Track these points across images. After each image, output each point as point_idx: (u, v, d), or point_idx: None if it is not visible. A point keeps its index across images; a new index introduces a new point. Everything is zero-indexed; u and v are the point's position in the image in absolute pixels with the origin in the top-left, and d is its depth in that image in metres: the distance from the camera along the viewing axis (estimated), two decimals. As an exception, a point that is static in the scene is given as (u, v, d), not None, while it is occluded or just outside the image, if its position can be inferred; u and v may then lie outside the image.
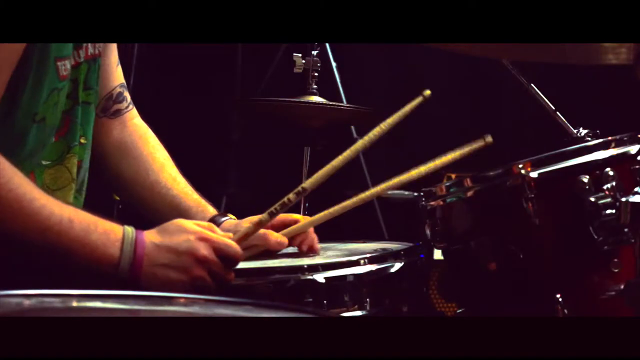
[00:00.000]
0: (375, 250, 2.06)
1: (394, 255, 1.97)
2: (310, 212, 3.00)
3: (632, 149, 1.90)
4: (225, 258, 1.69)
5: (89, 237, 1.60)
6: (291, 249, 2.20)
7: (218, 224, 2.00)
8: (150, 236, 1.65)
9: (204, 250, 1.65)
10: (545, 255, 1.93)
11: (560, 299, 1.86)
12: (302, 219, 2.02)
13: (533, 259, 1.92)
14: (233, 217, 2.06)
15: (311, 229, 2.05)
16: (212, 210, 2.06)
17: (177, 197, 2.03)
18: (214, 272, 1.67)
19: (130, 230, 1.64)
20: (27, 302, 0.99)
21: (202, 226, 1.70)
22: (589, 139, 2.25)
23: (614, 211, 1.81)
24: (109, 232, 1.63)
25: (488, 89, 4.02)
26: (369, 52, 3.92)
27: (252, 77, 3.94)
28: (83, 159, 1.89)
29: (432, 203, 2.05)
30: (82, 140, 1.87)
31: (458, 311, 2.16)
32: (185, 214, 1.98)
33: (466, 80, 4.11)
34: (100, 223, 1.64)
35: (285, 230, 2.03)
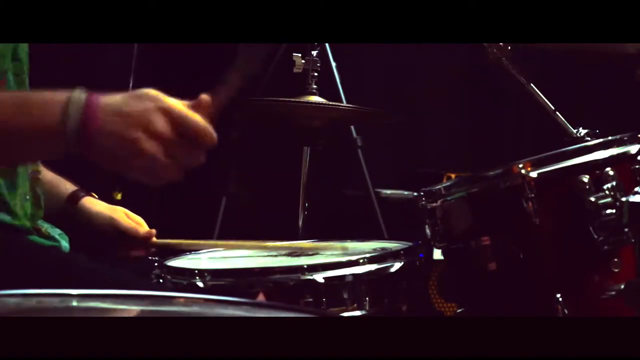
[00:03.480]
0: (375, 250, 2.06)
1: (393, 255, 1.97)
2: (310, 212, 3.00)
3: (632, 149, 1.90)
4: (188, 134, 1.39)
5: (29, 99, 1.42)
6: (291, 249, 2.20)
7: (79, 198, 2.04)
8: (105, 99, 1.38)
9: (158, 123, 1.36)
10: (545, 255, 1.93)
11: (560, 299, 1.86)
12: None
13: (533, 259, 1.92)
14: (95, 195, 2.06)
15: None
16: (70, 186, 2.03)
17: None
18: (172, 152, 1.37)
19: (78, 93, 1.38)
20: (27, 302, 0.99)
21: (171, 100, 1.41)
22: (589, 139, 2.25)
23: (614, 211, 1.81)
24: (50, 98, 1.39)
25: (488, 89, 4.02)
26: (369, 52, 3.92)
27: (252, 77, 3.94)
28: None
29: (432, 203, 2.05)
30: None
31: (458, 311, 2.16)
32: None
33: (466, 80, 4.11)
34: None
35: (161, 241, 2.05)
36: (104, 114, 1.35)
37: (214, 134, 1.41)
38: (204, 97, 1.44)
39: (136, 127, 1.35)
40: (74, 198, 2.09)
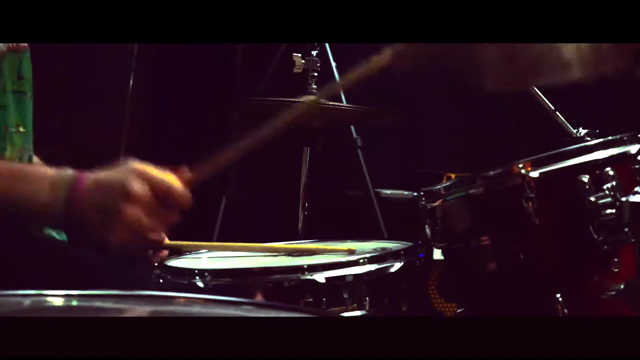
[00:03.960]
0: (375, 250, 2.06)
1: (393, 255, 1.97)
2: (310, 212, 3.00)
3: (632, 149, 1.90)
4: (165, 196, 1.53)
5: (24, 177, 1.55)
6: (291, 249, 2.20)
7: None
8: (90, 176, 1.54)
9: (136, 185, 1.49)
10: (545, 255, 1.93)
11: (560, 299, 1.86)
12: None
13: (533, 259, 1.92)
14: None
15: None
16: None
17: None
18: (153, 213, 1.50)
19: (66, 170, 1.54)
20: (27, 302, 0.99)
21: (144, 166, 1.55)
22: (589, 138, 2.25)
23: (614, 211, 1.81)
24: (40, 174, 1.56)
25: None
26: (369, 52, 3.92)
27: (252, 77, 3.94)
28: (24, 147, 1.88)
29: (432, 203, 2.05)
30: (21, 129, 1.87)
31: (458, 311, 2.16)
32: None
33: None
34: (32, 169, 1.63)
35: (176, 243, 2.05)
36: (87, 188, 1.50)
37: (189, 197, 1.57)
38: (185, 169, 1.60)
39: (115, 194, 1.49)
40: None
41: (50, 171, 1.54)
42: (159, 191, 1.52)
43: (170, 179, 1.55)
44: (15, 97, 1.84)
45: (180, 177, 1.57)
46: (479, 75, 2.02)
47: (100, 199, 1.49)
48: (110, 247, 1.54)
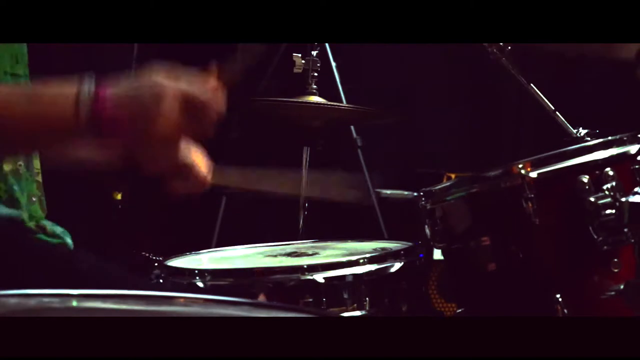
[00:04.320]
0: (375, 250, 2.07)
1: (393, 255, 1.97)
2: (310, 212, 3.00)
3: (632, 149, 1.90)
4: (201, 109, 1.44)
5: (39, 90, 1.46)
6: (291, 249, 2.20)
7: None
8: (114, 87, 1.43)
9: (168, 105, 1.40)
10: (545, 255, 1.93)
11: (560, 299, 1.86)
12: None
13: (533, 259, 1.92)
14: None
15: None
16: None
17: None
18: (187, 129, 1.43)
19: (87, 86, 1.42)
20: (27, 302, 0.99)
21: None
22: (589, 139, 2.25)
23: (613, 211, 1.81)
24: (59, 93, 1.44)
25: (488, 89, 4.02)
26: (369, 52, 3.92)
27: (252, 77, 3.94)
28: None
29: (432, 203, 2.05)
30: None
31: (457, 311, 2.17)
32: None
33: (466, 80, 4.11)
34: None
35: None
36: (114, 104, 1.39)
37: (222, 106, 1.47)
38: (214, 71, 1.50)
39: (145, 110, 1.39)
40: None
41: (68, 88, 1.42)
42: (193, 105, 1.43)
43: (199, 91, 1.45)
44: (13, 81, 1.82)
45: (210, 81, 1.49)
46: None
47: (126, 118, 1.40)
48: (146, 165, 1.47)
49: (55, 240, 1.86)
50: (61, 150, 1.68)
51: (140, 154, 1.45)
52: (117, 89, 1.43)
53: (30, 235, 1.81)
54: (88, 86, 1.41)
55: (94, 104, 1.40)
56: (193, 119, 1.43)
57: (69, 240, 1.91)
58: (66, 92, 1.41)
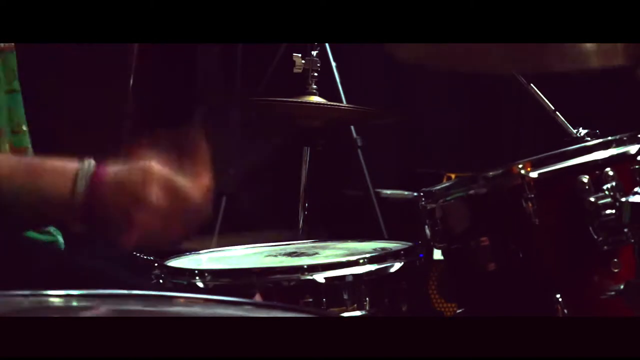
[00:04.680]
0: (375, 250, 2.07)
1: (393, 255, 1.97)
2: (310, 212, 3.00)
3: (632, 149, 1.90)
4: (181, 208, 1.47)
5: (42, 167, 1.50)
6: (291, 249, 2.20)
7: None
8: (112, 172, 1.47)
9: (153, 193, 1.44)
10: (545, 255, 1.93)
11: (560, 299, 1.86)
12: None
13: (533, 259, 1.92)
14: None
15: None
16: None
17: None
18: (166, 221, 1.46)
19: (87, 163, 1.47)
20: (27, 302, 0.99)
21: None
22: (589, 139, 2.25)
23: (613, 211, 1.81)
24: (61, 167, 1.49)
25: (488, 89, 4.02)
26: (369, 52, 3.92)
27: (252, 77, 3.94)
28: (27, 147, 1.87)
29: (432, 203, 2.05)
30: (23, 127, 1.86)
31: (458, 311, 2.17)
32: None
33: (466, 80, 4.11)
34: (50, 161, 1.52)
35: None
36: (107, 184, 1.45)
37: (209, 210, 1.51)
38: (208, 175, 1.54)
39: (128, 198, 1.44)
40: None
41: (69, 164, 1.48)
42: (175, 201, 1.46)
43: (189, 191, 1.49)
44: (10, 97, 1.83)
45: (202, 183, 1.52)
46: None
47: (116, 199, 1.46)
48: (118, 245, 1.52)
49: (45, 238, 1.86)
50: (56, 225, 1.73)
51: (116, 230, 1.48)
52: (113, 172, 1.47)
53: (19, 232, 1.80)
54: (88, 164, 1.46)
55: (92, 182, 1.45)
56: (177, 212, 1.47)
57: (60, 239, 1.91)
58: (67, 167, 1.47)
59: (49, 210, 1.50)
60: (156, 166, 1.48)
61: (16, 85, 1.86)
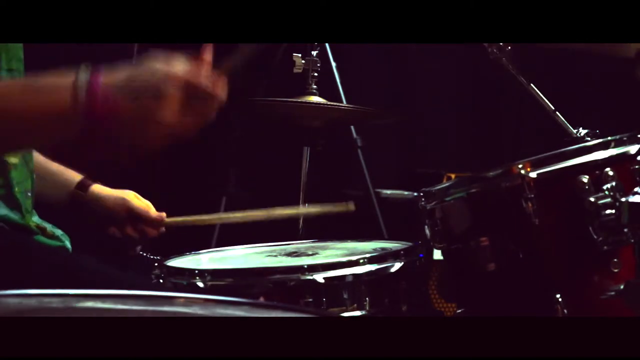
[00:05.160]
0: (375, 250, 2.07)
1: (393, 255, 1.97)
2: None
3: (632, 149, 1.90)
4: (201, 93, 1.45)
5: (37, 83, 1.45)
6: (291, 249, 2.20)
7: (89, 184, 2.05)
8: (112, 76, 1.42)
9: (171, 89, 1.40)
10: (545, 255, 1.93)
11: (560, 299, 1.86)
12: None
13: (533, 259, 1.92)
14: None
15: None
16: (77, 174, 2.05)
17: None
18: (188, 113, 1.43)
19: (83, 74, 1.41)
20: (27, 302, 0.99)
21: None
22: (589, 139, 2.25)
23: (613, 211, 1.81)
24: (58, 75, 1.44)
25: (488, 89, 4.02)
26: (369, 52, 3.92)
27: (252, 77, 3.94)
28: None
29: (432, 203, 2.05)
30: None
31: (457, 311, 2.17)
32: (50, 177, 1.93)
33: (466, 80, 4.11)
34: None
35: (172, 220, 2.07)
36: (112, 93, 1.38)
37: (224, 91, 1.48)
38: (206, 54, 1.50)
39: (149, 98, 1.38)
40: (85, 184, 2.08)
41: (64, 79, 1.42)
42: (194, 89, 1.43)
43: (202, 78, 1.46)
44: (8, 76, 1.82)
45: (208, 68, 1.49)
46: None
47: (129, 105, 1.39)
48: (140, 148, 1.47)
49: (54, 243, 1.86)
50: (59, 143, 1.68)
51: (142, 138, 1.43)
52: (114, 76, 1.41)
53: (30, 236, 1.81)
54: (84, 74, 1.40)
55: (91, 89, 1.38)
56: (194, 105, 1.43)
57: (68, 244, 1.91)
58: (63, 81, 1.41)
59: (50, 127, 1.44)
60: (162, 65, 1.44)
61: (16, 65, 1.84)
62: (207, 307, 1.05)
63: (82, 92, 1.39)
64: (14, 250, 1.69)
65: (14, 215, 1.78)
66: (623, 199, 1.78)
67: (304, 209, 2.16)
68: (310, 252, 2.12)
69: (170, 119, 1.40)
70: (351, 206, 2.04)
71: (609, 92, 3.60)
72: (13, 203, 1.78)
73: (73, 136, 1.43)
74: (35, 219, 1.85)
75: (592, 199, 1.83)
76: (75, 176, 2.09)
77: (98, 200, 2.07)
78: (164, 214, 2.12)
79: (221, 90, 1.48)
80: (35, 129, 1.45)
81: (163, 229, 2.13)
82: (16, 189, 1.78)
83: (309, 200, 3.03)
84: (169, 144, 1.45)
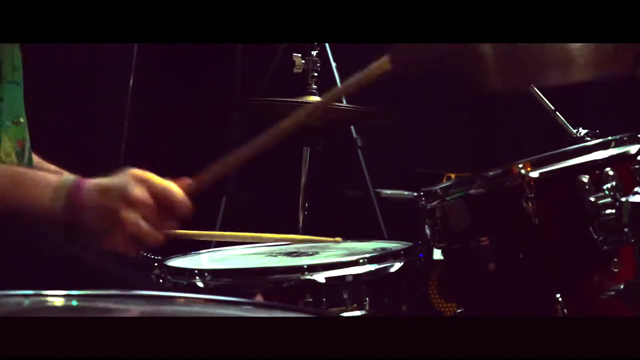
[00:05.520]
0: (375, 250, 2.07)
1: (393, 255, 1.97)
2: (310, 212, 3.00)
3: (632, 149, 1.90)
4: (165, 203, 1.54)
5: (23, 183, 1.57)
6: (291, 249, 2.20)
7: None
8: (92, 180, 1.55)
9: (136, 190, 1.50)
10: (545, 255, 1.93)
11: (560, 299, 1.86)
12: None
13: (533, 259, 1.92)
14: None
15: None
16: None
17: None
18: (151, 219, 1.51)
19: (68, 176, 1.58)
20: (27, 302, 0.99)
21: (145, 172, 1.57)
22: (589, 139, 2.25)
23: (613, 211, 1.81)
24: (44, 177, 1.59)
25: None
26: (369, 52, 3.92)
27: (252, 77, 3.94)
28: (25, 138, 1.88)
29: (432, 203, 2.05)
30: (21, 120, 1.87)
31: (457, 311, 2.17)
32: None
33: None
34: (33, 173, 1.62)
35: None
36: (88, 193, 1.52)
37: (189, 204, 1.57)
38: (185, 179, 1.61)
39: (116, 199, 1.50)
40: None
41: (52, 176, 1.56)
42: (159, 197, 1.52)
43: (170, 186, 1.56)
44: (11, 88, 1.83)
45: (180, 185, 1.58)
46: (482, 75, 2.02)
47: (100, 203, 1.51)
48: (105, 251, 1.56)
49: None
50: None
51: (110, 240, 1.54)
52: (94, 181, 1.54)
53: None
54: (69, 177, 1.55)
55: (71, 189, 1.51)
56: (161, 209, 1.52)
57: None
58: (49, 179, 1.55)
59: (30, 216, 1.55)
60: (136, 170, 1.55)
61: (18, 77, 1.86)
62: (207, 307, 1.05)
63: (64, 191, 1.52)
64: (14, 249, 1.69)
65: None
66: (623, 199, 1.79)
67: (292, 236, 2.18)
68: (310, 252, 2.12)
69: (132, 221, 1.50)
70: (339, 239, 2.08)
71: (609, 92, 3.60)
72: None
73: (50, 227, 1.55)
74: None
75: (592, 199, 1.83)
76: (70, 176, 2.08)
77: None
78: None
79: (187, 205, 1.57)
80: (17, 214, 1.55)
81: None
82: None
83: (309, 200, 3.03)
84: (131, 249, 1.56)
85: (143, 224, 1.50)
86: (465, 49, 1.97)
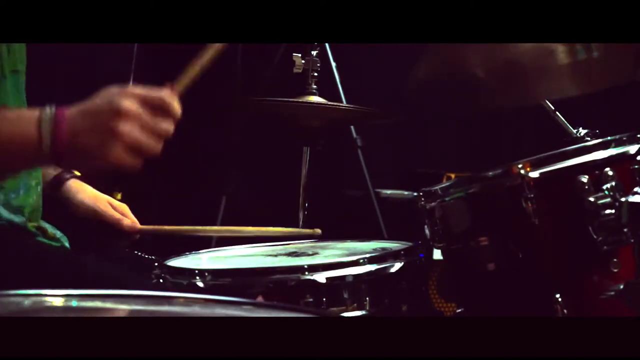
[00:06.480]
0: (375, 250, 2.07)
1: (393, 255, 1.97)
2: (310, 212, 3.00)
3: (632, 149, 1.90)
4: (156, 108, 1.48)
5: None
6: (291, 249, 2.20)
7: (63, 181, 2.05)
8: (73, 107, 1.48)
9: (126, 102, 1.44)
10: (544, 255, 1.93)
11: (560, 299, 1.86)
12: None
13: (532, 259, 1.92)
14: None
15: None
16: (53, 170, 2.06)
17: None
18: (147, 126, 1.46)
19: (48, 108, 1.48)
20: (27, 302, 0.99)
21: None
22: (589, 139, 2.25)
23: (613, 211, 1.81)
24: (23, 114, 1.52)
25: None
26: (369, 52, 3.92)
27: (252, 77, 3.94)
28: None
29: (432, 203, 2.05)
30: None
31: (457, 311, 2.17)
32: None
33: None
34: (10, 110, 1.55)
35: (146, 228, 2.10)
36: (73, 121, 1.44)
37: (178, 105, 1.51)
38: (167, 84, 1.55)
39: (107, 116, 1.43)
40: (58, 181, 2.07)
41: (31, 111, 1.48)
42: (148, 103, 1.47)
43: (155, 90, 1.51)
44: (13, 78, 1.83)
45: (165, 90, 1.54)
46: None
47: (92, 123, 1.44)
48: (108, 169, 1.49)
49: (54, 244, 1.87)
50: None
51: (107, 160, 1.46)
52: (76, 107, 1.46)
53: (31, 237, 1.81)
54: (49, 109, 1.45)
55: (55, 122, 1.44)
56: (154, 115, 1.47)
57: (66, 245, 1.91)
58: (29, 114, 1.46)
59: (20, 157, 1.49)
60: (118, 89, 1.48)
61: (20, 67, 1.85)
62: (207, 307, 1.05)
63: (47, 122, 1.44)
64: (16, 251, 1.70)
65: (16, 218, 1.79)
66: (623, 199, 1.79)
67: (271, 229, 2.18)
68: (310, 252, 2.12)
69: (130, 133, 1.43)
70: (318, 231, 2.09)
71: (609, 92, 3.60)
72: (13, 207, 1.79)
73: (37, 166, 1.48)
74: (45, 224, 1.87)
75: (592, 199, 1.83)
76: (51, 172, 2.07)
77: (69, 203, 2.07)
78: (137, 224, 2.12)
79: (176, 104, 1.51)
80: (3, 158, 1.49)
81: (137, 236, 2.13)
82: (22, 193, 1.80)
83: (309, 200, 3.03)
84: (135, 163, 1.47)
85: (139, 133, 1.45)
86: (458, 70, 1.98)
